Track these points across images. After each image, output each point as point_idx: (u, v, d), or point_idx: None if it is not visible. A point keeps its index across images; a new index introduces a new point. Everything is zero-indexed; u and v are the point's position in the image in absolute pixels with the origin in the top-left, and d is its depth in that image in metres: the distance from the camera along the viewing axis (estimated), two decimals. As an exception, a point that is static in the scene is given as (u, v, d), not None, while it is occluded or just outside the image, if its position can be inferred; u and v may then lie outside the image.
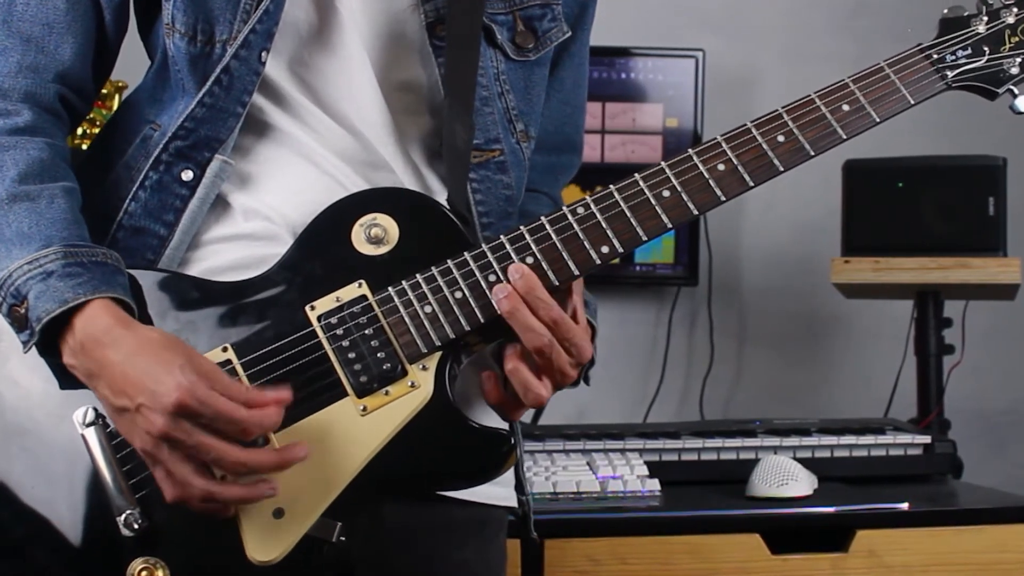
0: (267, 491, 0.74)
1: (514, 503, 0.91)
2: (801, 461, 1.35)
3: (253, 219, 0.83)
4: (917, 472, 1.43)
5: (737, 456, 1.39)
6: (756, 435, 1.42)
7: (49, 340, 0.76)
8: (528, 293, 0.77)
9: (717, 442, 1.39)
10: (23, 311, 0.75)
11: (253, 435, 0.73)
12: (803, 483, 1.31)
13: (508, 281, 0.78)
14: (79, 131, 1.45)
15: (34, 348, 0.76)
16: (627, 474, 1.31)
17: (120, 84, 1.48)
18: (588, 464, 1.33)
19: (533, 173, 0.95)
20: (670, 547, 1.23)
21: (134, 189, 0.82)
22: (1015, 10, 0.86)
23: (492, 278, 0.80)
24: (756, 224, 1.89)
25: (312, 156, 0.84)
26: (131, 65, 0.93)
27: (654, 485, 1.30)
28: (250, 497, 0.74)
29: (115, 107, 1.49)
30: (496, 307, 0.78)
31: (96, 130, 1.46)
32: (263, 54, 0.82)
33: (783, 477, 1.30)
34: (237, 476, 0.73)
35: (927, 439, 1.43)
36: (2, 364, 0.79)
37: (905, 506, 1.28)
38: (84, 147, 1.40)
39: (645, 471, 1.32)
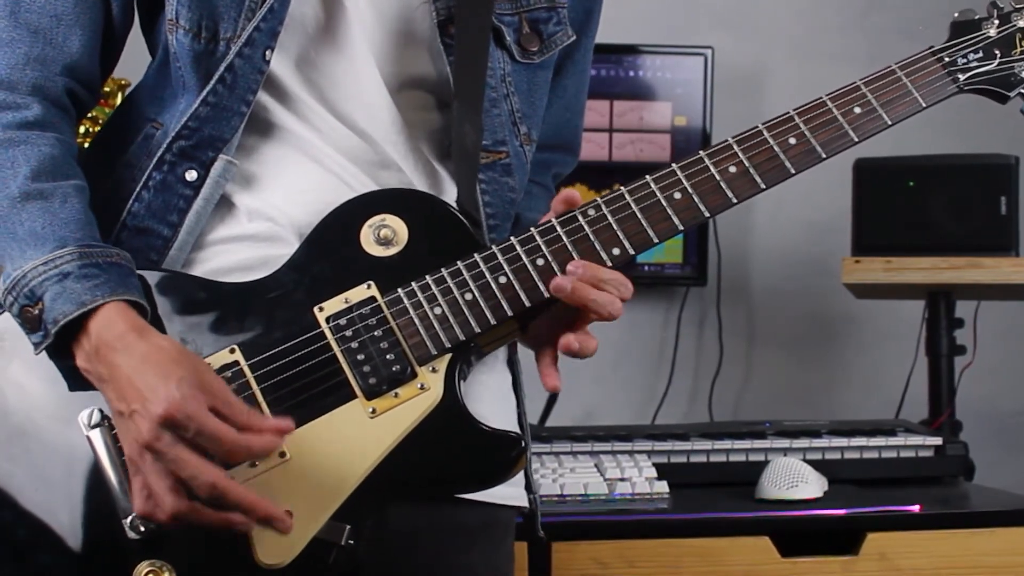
0: (240, 525, 0.72)
1: (523, 502, 0.91)
2: (811, 463, 1.34)
3: (257, 220, 0.83)
4: (928, 474, 1.42)
5: (746, 458, 1.38)
6: (766, 437, 1.41)
7: (61, 342, 0.75)
8: (591, 278, 0.78)
9: (726, 444, 1.39)
10: (37, 312, 0.75)
11: (240, 458, 0.72)
12: (813, 485, 1.31)
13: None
14: (81, 130, 1.44)
15: (44, 350, 0.76)
16: (635, 476, 1.30)
17: (123, 82, 1.47)
18: (596, 466, 1.33)
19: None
20: (678, 550, 1.22)
21: (137, 189, 0.82)
22: (1025, 14, 0.87)
23: (502, 280, 0.79)
24: (766, 224, 1.88)
25: (318, 156, 0.84)
26: (134, 64, 0.93)
27: (662, 487, 1.29)
28: (221, 525, 0.72)
29: (117, 105, 1.48)
30: (556, 294, 0.78)
31: (98, 128, 1.45)
32: (267, 52, 0.82)
33: (793, 479, 1.30)
34: (211, 501, 0.72)
35: (939, 441, 1.43)
36: (5, 366, 0.79)
37: (916, 508, 1.28)
38: (89, 143, 1.39)
39: (653, 473, 1.31)
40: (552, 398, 1.58)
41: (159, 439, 0.71)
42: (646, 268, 1.76)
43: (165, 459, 0.71)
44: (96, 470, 0.76)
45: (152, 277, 0.80)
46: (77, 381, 0.77)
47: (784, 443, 1.39)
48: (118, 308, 0.74)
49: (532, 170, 0.96)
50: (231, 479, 0.72)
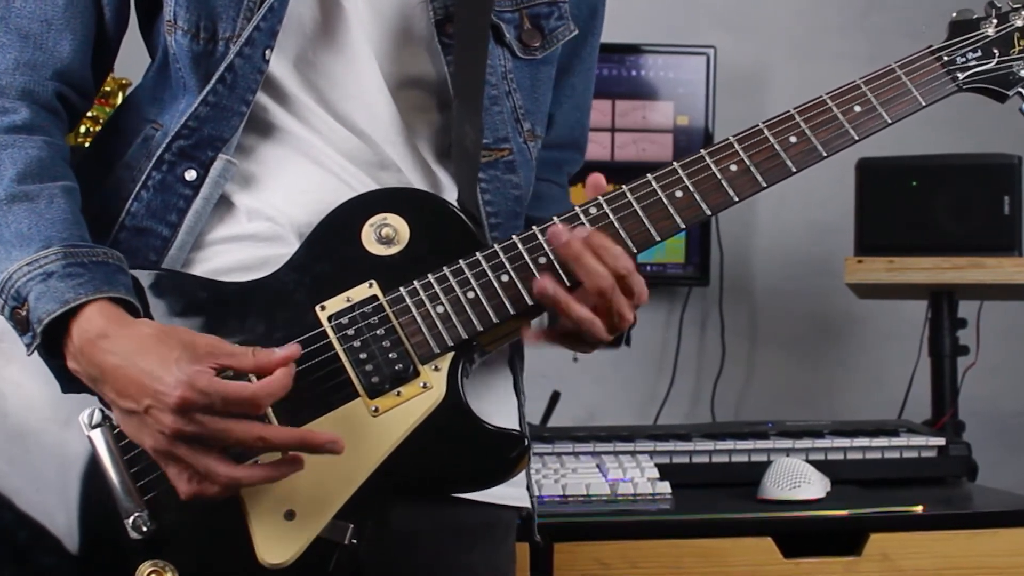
0: (294, 468, 0.73)
1: (524, 503, 0.90)
2: (814, 463, 1.33)
3: (257, 220, 0.83)
4: (931, 474, 1.41)
5: (749, 458, 1.37)
6: (768, 437, 1.41)
7: (52, 342, 0.75)
8: (591, 243, 0.77)
9: (728, 444, 1.38)
10: (24, 313, 0.75)
11: (265, 406, 0.72)
12: (816, 486, 1.30)
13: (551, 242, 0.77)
14: (82, 129, 1.44)
15: (37, 351, 0.75)
16: (637, 476, 1.30)
17: (124, 82, 1.46)
18: (598, 466, 1.32)
19: (538, 166, 0.94)
20: (681, 551, 1.22)
21: (136, 189, 0.82)
22: (1023, 13, 0.87)
23: (504, 278, 0.79)
24: (768, 223, 1.88)
25: (317, 156, 0.84)
26: (135, 62, 0.93)
27: (665, 488, 1.29)
28: (276, 476, 0.73)
29: (118, 105, 1.48)
30: (560, 254, 0.77)
31: (98, 128, 1.44)
32: (267, 52, 0.81)
33: (795, 480, 1.29)
34: (257, 454, 0.72)
35: (941, 441, 1.42)
36: (4, 366, 0.79)
37: (919, 509, 1.27)
38: (87, 145, 1.38)
39: (655, 473, 1.31)
40: (554, 398, 1.58)
41: (188, 422, 0.71)
42: (648, 268, 1.76)
43: (204, 438, 0.71)
44: (97, 471, 0.76)
45: (152, 277, 0.80)
46: (70, 383, 0.76)
47: (786, 443, 1.39)
48: (98, 307, 0.74)
49: (547, 170, 0.96)
50: (273, 426, 0.72)
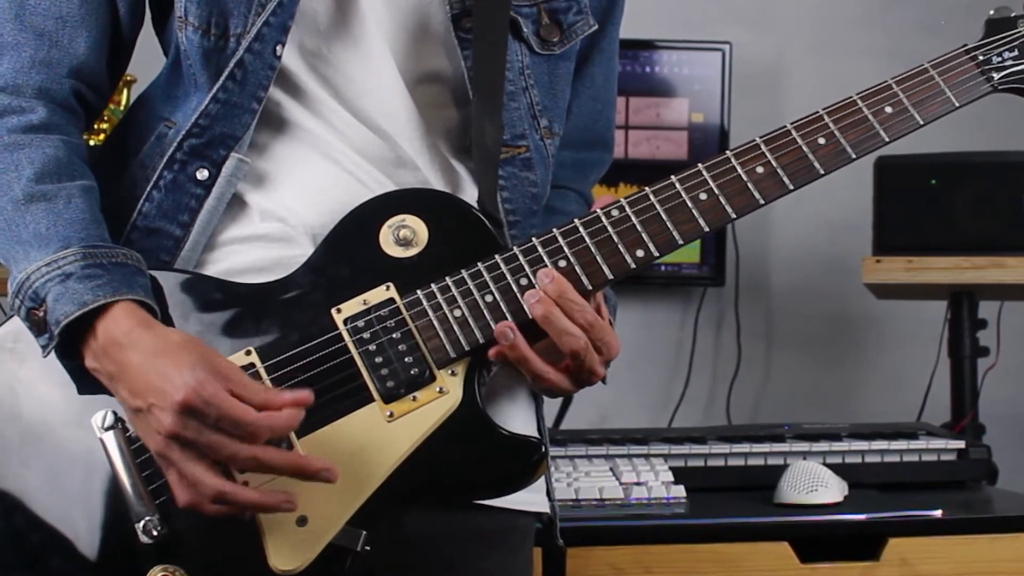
0: (284, 503, 0.72)
1: (544, 508, 0.90)
2: (831, 467, 1.32)
3: (269, 220, 0.82)
4: (951, 478, 1.40)
5: (765, 462, 1.36)
6: (785, 440, 1.39)
7: (69, 343, 0.75)
8: (560, 296, 0.76)
9: (744, 447, 1.37)
10: (42, 314, 0.74)
11: (262, 439, 0.71)
12: (833, 489, 1.29)
13: (538, 286, 0.77)
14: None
15: (53, 352, 0.75)
16: (651, 480, 1.28)
17: (128, 78, 1.45)
18: (611, 470, 1.31)
19: (562, 170, 0.93)
20: (696, 556, 1.20)
21: (148, 189, 0.81)
22: (1062, 12, 0.85)
23: (523, 282, 0.78)
24: (785, 223, 1.87)
25: (332, 153, 0.83)
26: (138, 60, 0.91)
27: (679, 491, 1.27)
28: (265, 504, 0.72)
29: (123, 102, 1.47)
30: (528, 312, 0.76)
31: (104, 125, 1.44)
32: (278, 48, 0.80)
33: (812, 483, 1.28)
34: (252, 474, 0.71)
35: (961, 444, 1.40)
36: (19, 368, 0.78)
37: (938, 513, 1.26)
38: (91, 142, 1.37)
39: (670, 477, 1.29)
40: (566, 401, 1.56)
41: (185, 427, 0.70)
42: (663, 268, 1.74)
43: (198, 445, 0.70)
44: (109, 473, 0.76)
45: (167, 277, 0.79)
46: (86, 383, 0.76)
47: (803, 446, 1.37)
48: (126, 307, 0.74)
49: (569, 175, 0.95)
50: (268, 448, 0.71)
